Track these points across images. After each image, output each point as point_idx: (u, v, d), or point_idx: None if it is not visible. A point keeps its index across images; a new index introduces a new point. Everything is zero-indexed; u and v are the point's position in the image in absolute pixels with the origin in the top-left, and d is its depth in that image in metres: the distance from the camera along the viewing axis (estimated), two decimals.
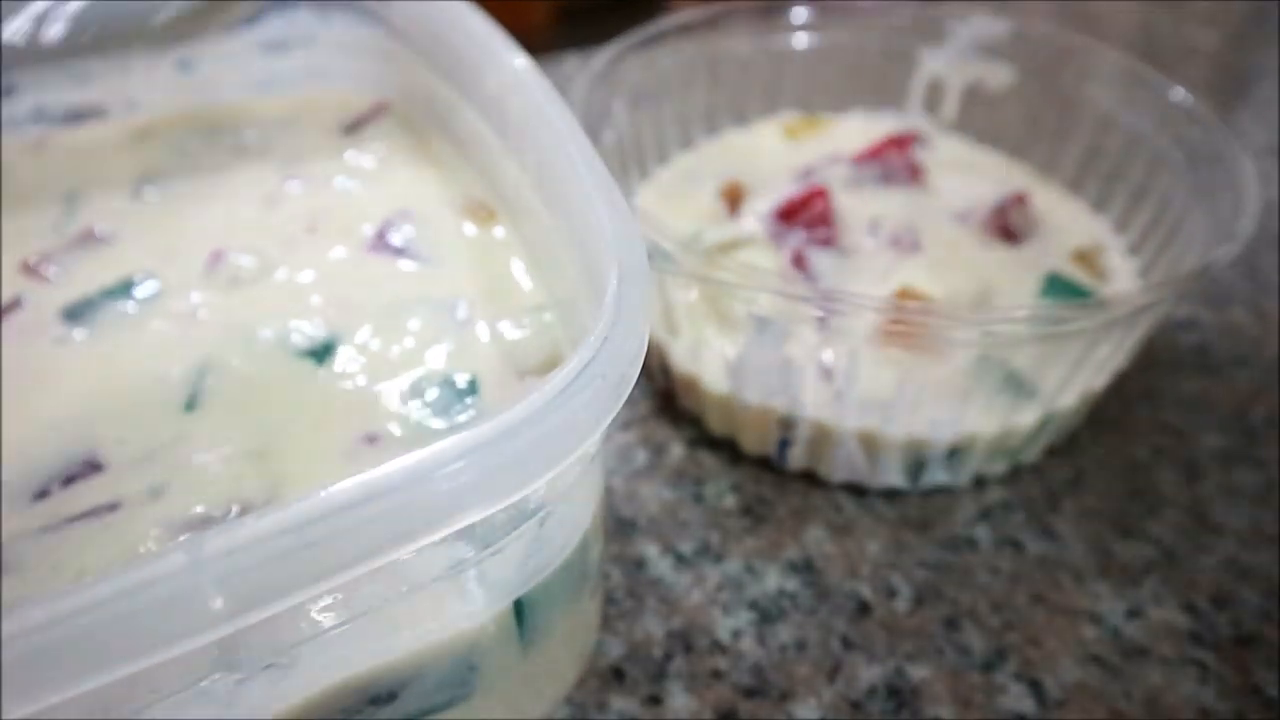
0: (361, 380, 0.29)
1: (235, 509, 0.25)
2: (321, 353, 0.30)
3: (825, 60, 0.51)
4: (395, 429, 0.28)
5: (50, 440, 0.27)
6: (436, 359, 0.30)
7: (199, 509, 0.25)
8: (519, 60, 0.31)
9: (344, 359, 0.30)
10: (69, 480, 0.26)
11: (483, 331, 0.31)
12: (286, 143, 0.39)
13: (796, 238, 0.42)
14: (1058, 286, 0.41)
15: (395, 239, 0.34)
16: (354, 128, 0.40)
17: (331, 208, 0.36)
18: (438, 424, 0.28)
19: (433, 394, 0.28)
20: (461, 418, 0.28)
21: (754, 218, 0.43)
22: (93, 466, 0.27)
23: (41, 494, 0.26)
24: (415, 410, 0.28)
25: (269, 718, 0.23)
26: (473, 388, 0.29)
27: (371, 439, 0.27)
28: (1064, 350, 0.36)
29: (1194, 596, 0.36)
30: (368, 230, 0.35)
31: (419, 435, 0.27)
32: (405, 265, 0.33)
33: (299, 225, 0.35)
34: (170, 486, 0.26)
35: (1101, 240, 0.45)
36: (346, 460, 0.27)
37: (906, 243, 0.42)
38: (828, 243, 0.41)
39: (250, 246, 0.34)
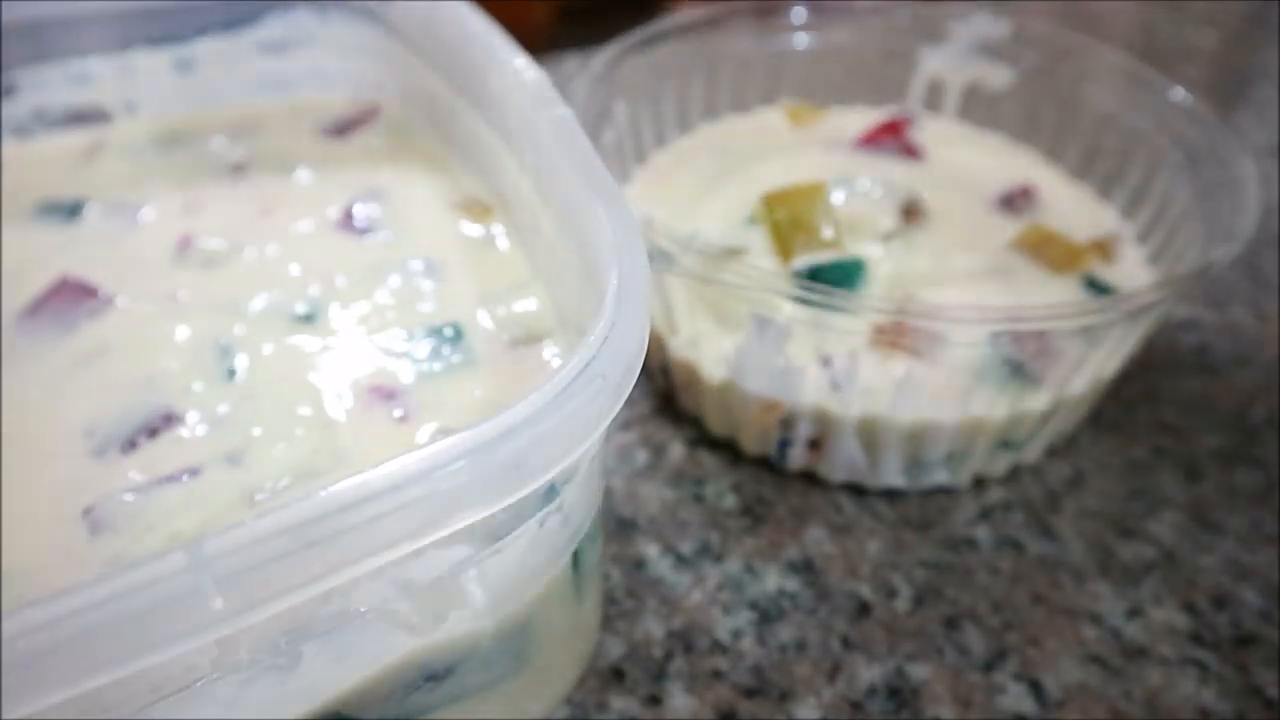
0: (357, 336, 0.31)
1: (286, 481, 0.27)
2: (313, 315, 0.32)
3: (825, 60, 0.51)
4: (402, 378, 0.30)
5: (125, 400, 0.29)
6: (422, 312, 0.32)
7: (274, 481, 0.27)
8: (519, 60, 0.31)
9: (334, 320, 0.32)
10: (153, 432, 0.28)
11: (466, 292, 0.33)
12: (266, 147, 0.39)
13: None
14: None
15: (361, 218, 0.36)
16: (342, 131, 0.40)
17: (299, 197, 0.37)
18: (435, 368, 0.30)
19: (424, 343, 0.31)
20: (455, 359, 0.30)
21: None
22: (171, 419, 0.28)
23: (130, 445, 0.28)
24: (414, 358, 0.30)
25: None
26: (459, 333, 0.31)
27: (381, 391, 0.29)
28: (1063, 350, 0.36)
29: (1194, 597, 0.36)
30: (332, 212, 0.36)
31: (425, 383, 0.30)
32: (373, 239, 0.35)
33: (262, 208, 0.36)
34: (246, 454, 0.27)
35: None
36: (365, 411, 0.29)
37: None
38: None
39: (216, 230, 0.35)
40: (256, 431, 0.28)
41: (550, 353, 0.30)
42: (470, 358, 0.30)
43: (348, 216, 0.36)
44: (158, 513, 0.26)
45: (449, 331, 0.31)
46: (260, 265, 0.34)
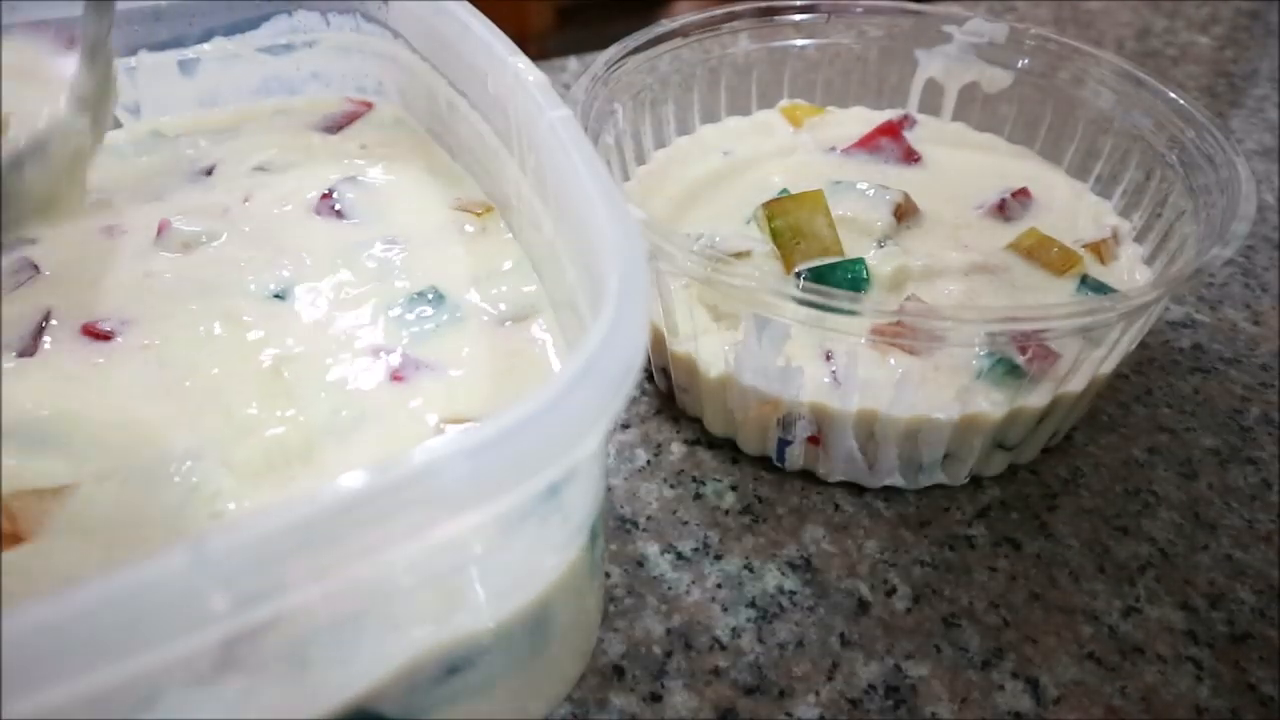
0: (338, 308, 0.33)
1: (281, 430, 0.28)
2: (284, 294, 0.33)
3: (824, 63, 0.51)
4: (396, 343, 0.31)
5: None
6: (401, 282, 0.34)
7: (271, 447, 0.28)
8: (519, 61, 0.31)
9: (311, 294, 0.33)
10: None
11: (456, 273, 0.34)
12: (258, 145, 0.40)
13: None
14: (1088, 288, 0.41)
15: (339, 202, 0.37)
16: (335, 128, 0.40)
17: (287, 187, 0.38)
18: (425, 329, 0.32)
19: (412, 309, 0.33)
20: (445, 318, 0.32)
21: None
22: None
23: None
24: (402, 323, 0.32)
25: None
26: (440, 296, 0.33)
27: (375, 350, 0.31)
28: (1060, 349, 0.36)
29: (1190, 595, 0.36)
30: (311, 195, 0.37)
31: (418, 344, 0.32)
32: (354, 223, 0.37)
33: (238, 197, 0.38)
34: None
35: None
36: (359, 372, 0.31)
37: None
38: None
39: (193, 217, 0.37)
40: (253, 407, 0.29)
41: (539, 328, 0.32)
42: (455, 316, 0.32)
43: (327, 195, 0.37)
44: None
45: (430, 295, 0.33)
46: (239, 246, 0.35)
